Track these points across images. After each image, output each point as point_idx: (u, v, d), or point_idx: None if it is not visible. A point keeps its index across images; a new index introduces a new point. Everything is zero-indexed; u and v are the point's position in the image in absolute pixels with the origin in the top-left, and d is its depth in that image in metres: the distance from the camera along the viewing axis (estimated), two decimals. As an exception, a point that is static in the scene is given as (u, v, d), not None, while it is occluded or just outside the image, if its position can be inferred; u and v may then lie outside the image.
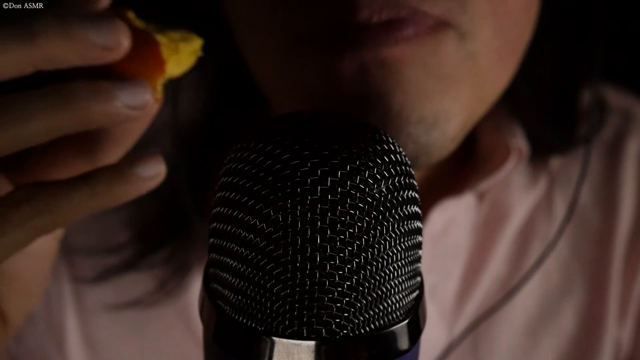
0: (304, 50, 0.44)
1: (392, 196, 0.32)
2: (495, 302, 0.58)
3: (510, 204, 0.59)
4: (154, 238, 0.55)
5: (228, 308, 0.34)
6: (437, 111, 0.43)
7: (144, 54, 0.35)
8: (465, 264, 0.58)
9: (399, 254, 0.33)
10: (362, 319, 0.32)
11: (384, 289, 0.33)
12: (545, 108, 0.59)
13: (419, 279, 0.35)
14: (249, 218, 0.32)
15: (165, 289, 0.56)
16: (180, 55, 0.36)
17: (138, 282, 0.56)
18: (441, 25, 0.42)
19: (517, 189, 0.60)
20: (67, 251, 0.57)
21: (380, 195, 0.32)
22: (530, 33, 0.48)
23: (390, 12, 0.41)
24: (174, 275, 0.55)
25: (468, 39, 0.43)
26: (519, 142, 0.55)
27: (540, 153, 0.59)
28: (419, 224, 0.34)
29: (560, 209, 0.60)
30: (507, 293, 0.57)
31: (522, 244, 0.60)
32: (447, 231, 0.55)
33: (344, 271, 0.32)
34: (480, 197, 0.58)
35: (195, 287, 0.56)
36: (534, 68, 0.50)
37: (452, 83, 0.44)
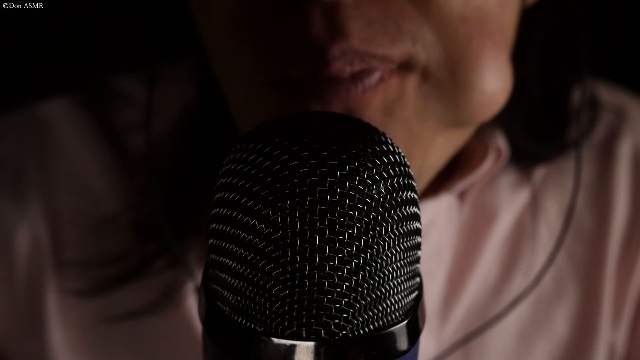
0: (270, 95, 0.44)
1: (391, 197, 0.32)
2: (486, 308, 0.57)
3: (497, 206, 0.59)
4: (152, 247, 0.55)
5: (227, 309, 0.34)
6: None
7: None
8: (450, 266, 0.58)
9: (398, 254, 0.33)
10: (361, 319, 0.32)
11: (383, 289, 0.33)
12: (531, 115, 0.58)
13: (418, 279, 0.35)
14: (248, 219, 0.32)
15: (165, 297, 0.55)
16: None
17: (136, 293, 0.55)
18: (405, 68, 0.43)
19: (505, 190, 0.59)
20: (59, 266, 0.56)
21: (380, 196, 0.32)
22: (512, 37, 0.48)
23: (360, 63, 0.42)
24: (174, 283, 0.55)
25: (431, 82, 0.44)
26: (499, 143, 0.55)
27: (525, 158, 0.59)
28: (418, 225, 0.34)
29: (552, 211, 0.59)
30: (501, 310, 0.57)
31: (512, 246, 0.59)
32: (428, 233, 0.55)
33: (343, 272, 0.32)
34: (461, 198, 0.58)
35: (194, 294, 0.56)
36: (518, 73, 0.49)
37: (414, 127, 0.44)
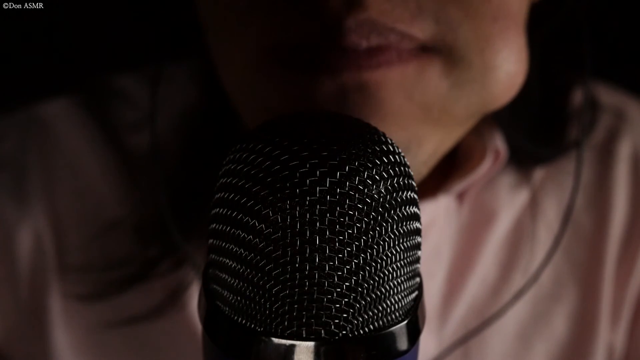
0: (273, 68, 0.42)
1: (391, 197, 0.32)
2: (486, 308, 0.58)
3: (496, 206, 0.58)
4: (156, 249, 0.55)
5: (227, 309, 0.34)
6: (410, 137, 0.42)
7: None
8: (448, 266, 0.58)
9: (398, 254, 0.33)
10: (361, 319, 0.32)
11: (383, 289, 0.33)
12: (531, 115, 0.58)
13: (418, 279, 0.35)
14: (248, 219, 0.32)
15: (170, 301, 0.55)
16: None
17: (140, 297, 0.55)
18: (427, 51, 0.41)
19: (504, 191, 0.59)
20: (62, 269, 0.56)
21: (380, 196, 0.32)
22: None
23: (377, 37, 0.40)
24: (178, 286, 0.55)
25: (459, 67, 0.42)
26: (497, 144, 0.55)
27: (524, 159, 0.59)
28: (418, 225, 0.34)
29: (552, 212, 0.59)
30: (500, 307, 0.57)
31: (511, 246, 0.59)
32: (426, 233, 0.54)
33: (343, 272, 0.32)
34: (460, 198, 0.58)
35: (197, 297, 0.55)
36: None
37: (433, 111, 0.42)
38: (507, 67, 0.43)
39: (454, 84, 0.42)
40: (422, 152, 0.43)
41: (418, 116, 0.42)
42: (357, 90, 0.41)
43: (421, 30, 0.41)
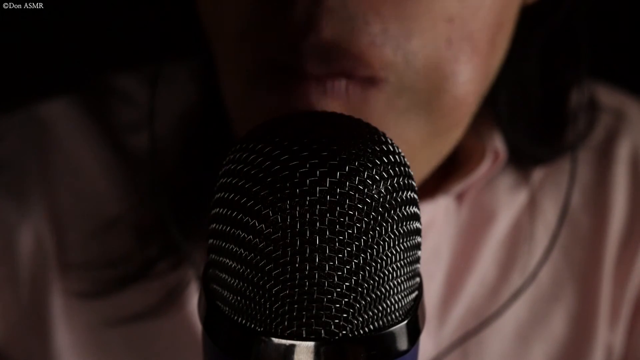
0: (253, 84, 0.43)
1: (392, 197, 0.32)
2: (484, 309, 0.57)
3: (495, 207, 0.59)
4: (156, 248, 0.55)
5: (227, 309, 0.34)
6: None
7: None
8: (448, 267, 0.58)
9: (398, 254, 0.33)
10: (361, 319, 0.32)
11: (383, 289, 0.33)
12: (530, 116, 0.58)
13: (418, 279, 0.35)
14: (247, 219, 0.32)
15: (170, 299, 0.55)
16: None
17: (140, 295, 0.55)
18: (375, 83, 0.41)
19: (503, 191, 0.59)
20: (62, 267, 0.56)
21: (380, 196, 0.32)
22: (504, 53, 0.47)
23: (328, 66, 0.40)
24: (178, 285, 0.55)
25: (405, 95, 0.42)
26: (496, 145, 0.55)
27: (524, 160, 0.59)
28: (418, 225, 0.34)
29: (551, 213, 0.59)
30: (499, 307, 0.57)
31: (510, 247, 0.59)
32: (426, 234, 0.54)
33: (343, 272, 0.32)
34: (459, 199, 0.58)
35: (197, 295, 0.55)
36: (517, 74, 0.48)
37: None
38: (454, 91, 0.43)
39: (399, 112, 0.42)
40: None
41: None
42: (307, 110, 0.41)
43: (377, 57, 0.40)
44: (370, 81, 0.41)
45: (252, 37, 0.43)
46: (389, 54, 0.41)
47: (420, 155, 0.45)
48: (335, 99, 0.41)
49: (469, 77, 0.44)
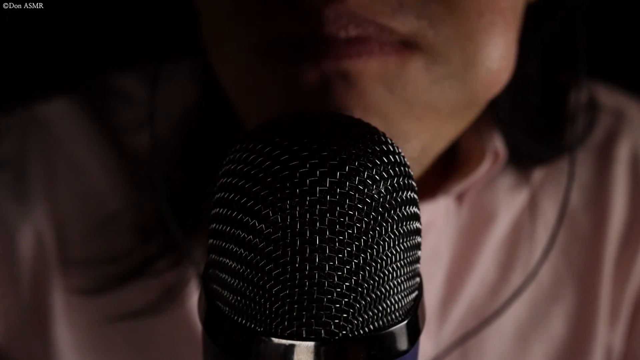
0: (263, 63, 0.43)
1: (392, 197, 0.32)
2: (484, 309, 0.57)
3: (495, 208, 0.58)
4: (156, 246, 0.55)
5: (227, 309, 0.34)
6: (396, 132, 0.42)
7: None
8: (448, 267, 0.58)
9: (398, 254, 0.33)
10: (361, 319, 0.32)
11: (383, 289, 0.33)
12: (530, 116, 0.58)
13: (418, 279, 0.35)
14: (248, 219, 0.32)
15: (169, 296, 0.55)
16: None
17: (140, 292, 0.55)
18: (408, 46, 0.41)
19: (503, 192, 0.59)
20: (63, 265, 0.56)
21: (380, 196, 0.32)
22: (520, 21, 0.48)
23: (356, 29, 0.40)
24: (178, 282, 0.55)
25: (439, 62, 0.42)
26: (496, 145, 0.55)
27: (524, 160, 0.59)
28: (418, 225, 0.34)
29: (550, 213, 0.59)
30: (498, 307, 0.57)
31: (510, 247, 0.59)
32: (425, 235, 0.54)
33: (343, 272, 0.32)
34: (459, 200, 0.58)
35: (197, 293, 0.56)
36: (517, 74, 0.48)
37: (416, 106, 0.42)
38: (489, 64, 0.43)
39: (434, 80, 0.42)
40: (409, 148, 0.43)
41: (401, 111, 0.42)
42: (338, 78, 0.41)
43: (402, 24, 0.40)
44: (404, 45, 0.41)
45: (259, 16, 0.42)
46: (413, 21, 0.40)
47: (443, 129, 0.45)
48: (372, 60, 0.41)
49: (502, 53, 0.44)
